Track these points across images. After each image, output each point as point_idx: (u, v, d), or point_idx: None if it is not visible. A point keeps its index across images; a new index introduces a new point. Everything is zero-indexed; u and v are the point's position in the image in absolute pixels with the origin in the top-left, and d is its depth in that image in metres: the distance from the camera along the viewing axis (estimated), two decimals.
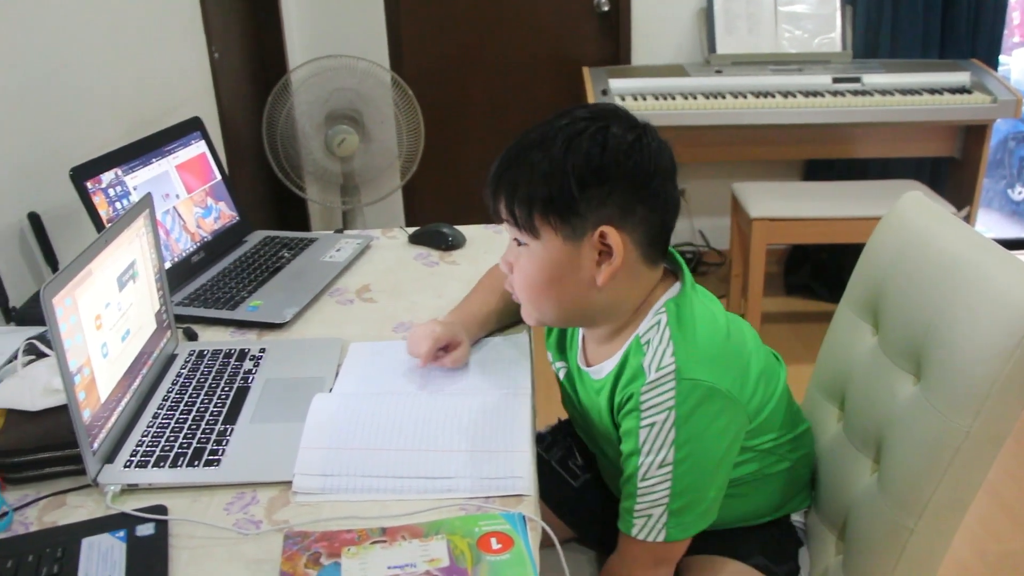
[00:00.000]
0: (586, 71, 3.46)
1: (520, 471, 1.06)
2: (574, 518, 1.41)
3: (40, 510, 1.05)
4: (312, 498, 1.04)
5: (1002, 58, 3.76)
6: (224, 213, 1.82)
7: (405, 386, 1.26)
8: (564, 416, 1.52)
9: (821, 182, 3.57)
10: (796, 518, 1.37)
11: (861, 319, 1.35)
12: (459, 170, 3.97)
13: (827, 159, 3.70)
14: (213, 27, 2.67)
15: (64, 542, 0.96)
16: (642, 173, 1.06)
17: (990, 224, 4.61)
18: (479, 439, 1.11)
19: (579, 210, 1.05)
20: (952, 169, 3.65)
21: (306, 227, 3.80)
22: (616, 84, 3.31)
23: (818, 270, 3.72)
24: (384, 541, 0.93)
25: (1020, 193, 4.80)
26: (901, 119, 3.23)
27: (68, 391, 1.00)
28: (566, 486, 1.42)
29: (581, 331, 1.25)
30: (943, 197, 3.39)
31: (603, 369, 1.16)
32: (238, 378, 1.29)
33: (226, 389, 1.26)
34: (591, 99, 3.21)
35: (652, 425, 1.05)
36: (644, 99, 3.25)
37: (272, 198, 3.53)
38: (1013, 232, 4.49)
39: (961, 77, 3.34)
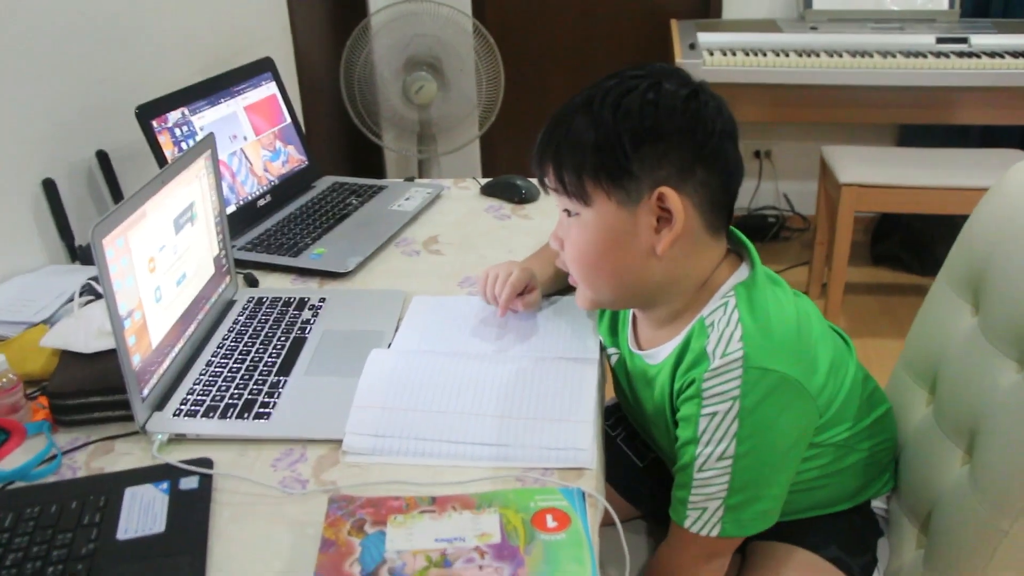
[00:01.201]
0: (674, 23, 3.33)
1: (583, 443, 0.99)
2: (639, 497, 1.34)
3: (88, 455, 1.02)
4: (362, 459, 0.99)
5: None
6: (293, 157, 1.77)
7: (466, 345, 1.20)
8: None
9: (917, 148, 3.38)
10: (877, 504, 1.28)
11: (960, 297, 1.25)
12: (538, 123, 3.82)
13: (924, 124, 3.51)
14: None
15: (107, 491, 0.93)
16: (700, 130, 0.97)
17: None
18: (541, 407, 1.04)
19: (633, 171, 0.96)
20: None
21: (381, 175, 3.78)
22: (705, 38, 3.18)
23: (908, 240, 3.55)
24: (433, 511, 0.88)
25: None
26: (1010, 83, 3.03)
27: (117, 335, 0.96)
28: (632, 465, 1.35)
29: (632, 314, 1.17)
30: None
31: (659, 354, 1.08)
32: (295, 328, 1.24)
33: (282, 339, 1.22)
34: (678, 53, 3.08)
35: (714, 415, 0.97)
36: (734, 55, 3.11)
37: (347, 145, 3.50)
38: None
39: None
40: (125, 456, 1.01)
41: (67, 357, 1.12)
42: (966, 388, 1.17)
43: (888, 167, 2.99)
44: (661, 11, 3.58)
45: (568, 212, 1.02)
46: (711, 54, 3.11)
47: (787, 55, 3.10)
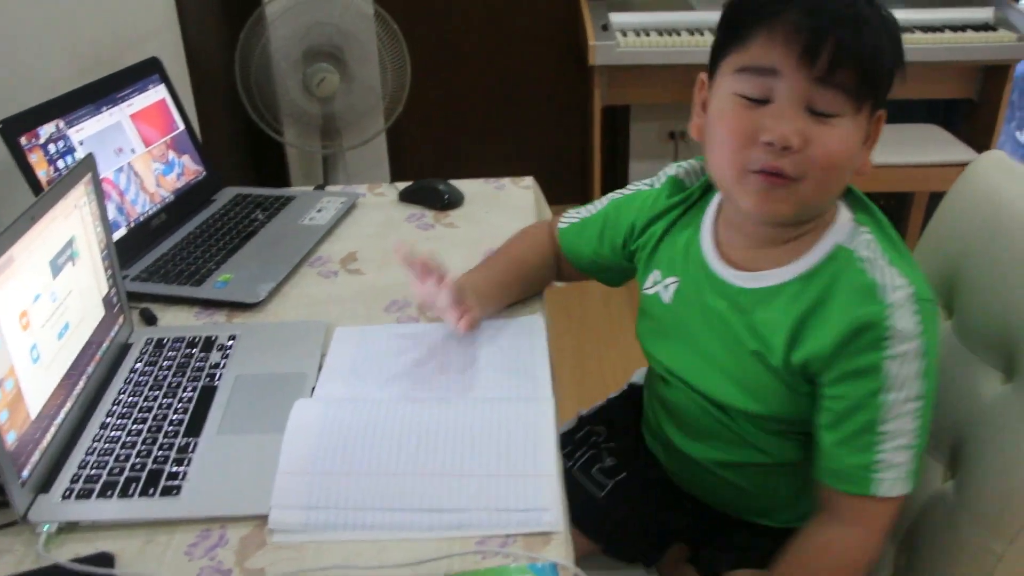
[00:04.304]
0: (584, 4, 3.22)
1: (547, 501, 0.87)
2: (600, 530, 1.23)
3: None
4: (293, 537, 0.85)
5: None
6: (189, 168, 1.60)
7: (402, 386, 1.06)
8: (583, 409, 1.34)
9: None
10: None
11: None
12: (449, 114, 3.74)
13: None
14: None
15: None
16: None
17: None
18: (496, 460, 0.91)
19: (889, 84, 0.93)
20: (969, 111, 3.45)
21: (284, 174, 3.58)
22: (617, 19, 3.08)
23: None
24: None
25: None
26: (922, 59, 3.02)
27: None
28: (590, 498, 1.23)
29: (710, 234, 1.07)
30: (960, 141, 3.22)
31: (771, 276, 1.00)
32: (203, 375, 1.09)
33: (189, 389, 1.06)
34: (590, 35, 2.98)
35: (903, 356, 0.92)
36: (647, 35, 3.02)
37: (247, 144, 3.30)
38: None
39: (984, 12, 3.13)
40: (4, 555, 0.85)
41: None
42: (944, 397, 1.09)
43: None
44: None
45: (822, 114, 0.89)
46: (624, 35, 3.01)
47: (701, 33, 3.03)
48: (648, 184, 1.20)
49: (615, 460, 1.25)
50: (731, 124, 0.93)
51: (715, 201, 1.09)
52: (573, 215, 1.27)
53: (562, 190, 3.91)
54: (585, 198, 3.91)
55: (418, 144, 3.77)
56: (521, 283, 1.25)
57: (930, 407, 0.95)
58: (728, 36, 0.95)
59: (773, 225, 0.99)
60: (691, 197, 1.13)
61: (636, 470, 1.23)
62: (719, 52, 0.97)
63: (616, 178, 3.86)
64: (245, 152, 3.29)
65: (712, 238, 1.07)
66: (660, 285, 1.11)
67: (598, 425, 1.31)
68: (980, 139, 3.27)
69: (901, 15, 3.02)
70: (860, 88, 0.88)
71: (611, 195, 1.24)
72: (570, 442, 1.28)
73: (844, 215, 1.00)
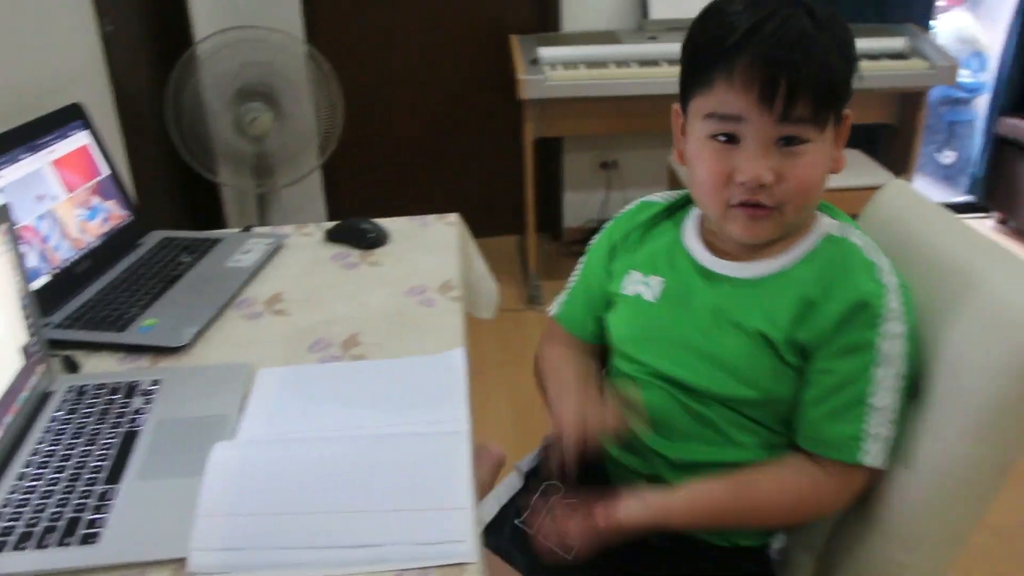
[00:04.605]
0: (514, 40, 3.28)
1: (461, 533, 0.89)
2: None
3: None
4: None
5: (931, 22, 3.69)
6: (114, 213, 1.60)
7: (322, 424, 1.08)
8: (521, 462, 1.34)
9: None
10: (776, 546, 1.24)
11: None
12: (384, 150, 3.77)
13: None
14: None
15: None
16: None
17: (922, 189, 4.57)
18: (412, 495, 0.93)
19: (850, 88, 1.00)
20: (888, 136, 3.57)
21: (219, 214, 3.57)
22: (546, 53, 3.14)
23: None
24: None
25: (949, 157, 4.78)
26: None
27: None
28: (561, 564, 1.10)
29: (696, 234, 1.15)
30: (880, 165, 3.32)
31: (770, 265, 1.08)
32: (125, 420, 1.09)
33: (110, 436, 1.06)
34: (520, 69, 3.03)
35: (893, 336, 1.00)
36: (576, 68, 3.09)
37: (181, 184, 3.27)
38: (943, 197, 4.45)
39: (898, 42, 3.26)
40: None
41: None
42: None
43: None
44: (501, 27, 3.53)
45: (790, 141, 0.98)
46: (553, 68, 3.08)
47: (628, 66, 3.10)
48: (617, 215, 1.27)
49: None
50: (708, 166, 1.02)
51: (697, 210, 1.17)
52: (560, 296, 1.31)
53: (498, 222, 3.96)
54: (520, 229, 3.96)
55: (354, 181, 3.79)
56: (588, 373, 1.24)
57: (906, 388, 1.03)
58: (692, 76, 1.02)
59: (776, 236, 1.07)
60: (675, 204, 1.20)
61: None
62: (686, 89, 1.05)
63: (551, 209, 3.91)
64: (179, 193, 3.27)
65: (699, 238, 1.14)
66: (642, 284, 1.16)
67: (551, 481, 1.20)
68: (900, 162, 3.38)
69: None
70: (819, 112, 0.97)
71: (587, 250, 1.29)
72: (528, 505, 1.20)
73: (825, 217, 1.10)
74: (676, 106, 1.09)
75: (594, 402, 1.11)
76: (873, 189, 1.32)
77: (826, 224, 1.09)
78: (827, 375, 1.03)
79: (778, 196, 1.00)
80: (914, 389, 1.04)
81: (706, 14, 1.01)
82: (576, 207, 3.86)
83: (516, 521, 1.19)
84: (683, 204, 1.21)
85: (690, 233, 1.16)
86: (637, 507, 1.06)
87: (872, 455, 1.01)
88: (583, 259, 1.29)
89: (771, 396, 1.06)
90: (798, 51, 0.93)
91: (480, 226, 3.87)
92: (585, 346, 1.28)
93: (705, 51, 0.99)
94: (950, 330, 1.02)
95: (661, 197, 1.24)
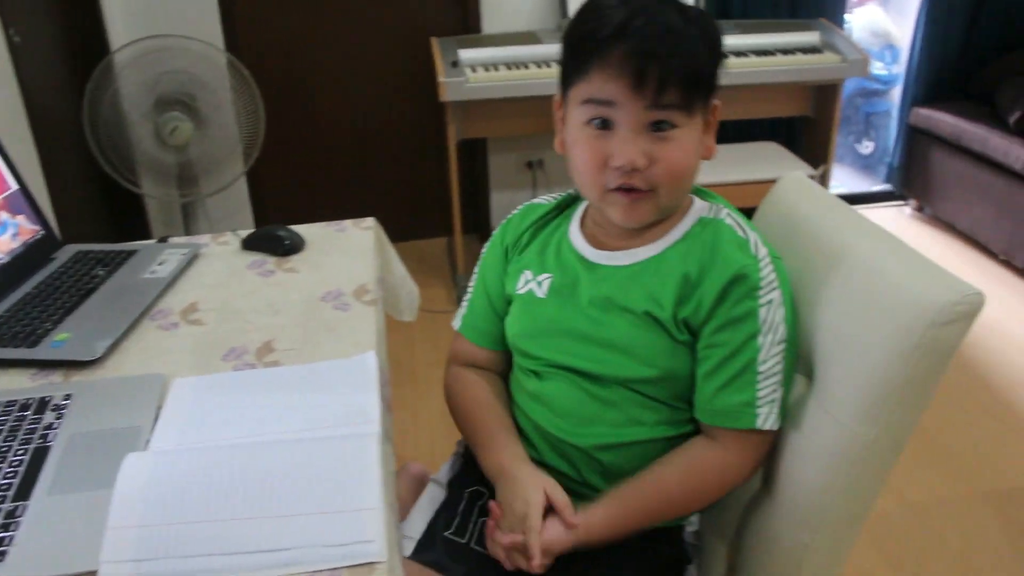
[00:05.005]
0: (434, 42, 3.29)
1: (370, 533, 0.91)
2: None
3: None
4: None
5: (844, 16, 3.79)
6: (24, 228, 1.58)
7: (235, 432, 1.08)
8: (435, 473, 1.36)
9: None
10: (689, 530, 1.28)
11: None
12: (309, 156, 3.75)
13: None
14: (11, 6, 2.36)
15: None
16: None
17: (842, 179, 4.69)
18: (321, 498, 0.94)
19: (716, 80, 1.07)
20: (807, 128, 3.66)
21: (144, 225, 3.52)
22: (466, 54, 3.16)
23: None
24: None
25: (868, 147, 4.91)
26: (757, 80, 3.20)
27: None
28: (499, 569, 1.14)
29: (578, 230, 1.22)
30: (799, 156, 3.40)
31: (647, 250, 1.15)
32: (36, 436, 1.08)
33: (20, 453, 1.05)
34: (440, 71, 3.05)
35: (770, 303, 1.07)
36: (496, 69, 3.12)
37: (103, 196, 3.23)
38: (863, 186, 4.58)
39: (811, 37, 3.34)
40: None
41: None
42: None
43: None
44: (421, 29, 3.54)
45: (660, 126, 1.05)
46: (474, 70, 3.10)
47: (548, 66, 3.13)
48: (505, 220, 1.32)
49: None
50: (585, 152, 1.08)
51: (583, 206, 1.23)
52: (461, 309, 1.35)
53: (428, 224, 3.97)
54: (448, 231, 3.98)
55: (280, 188, 3.77)
56: (504, 410, 1.27)
57: (792, 351, 1.11)
58: (571, 66, 1.08)
59: (640, 228, 1.13)
60: (562, 202, 1.27)
61: None
62: (566, 78, 1.10)
63: (478, 210, 3.93)
64: (101, 205, 3.22)
65: (581, 233, 1.20)
66: (533, 283, 1.21)
67: (473, 488, 1.27)
68: (818, 153, 3.47)
69: (734, 40, 3.21)
70: (687, 99, 1.04)
71: (480, 259, 1.34)
72: (455, 514, 1.24)
73: (698, 200, 1.18)
74: (557, 97, 1.15)
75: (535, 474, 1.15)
76: None
77: (699, 207, 1.17)
78: (715, 348, 1.09)
79: (651, 179, 1.07)
80: (796, 352, 1.13)
81: (584, 9, 1.08)
82: (503, 207, 3.89)
83: (446, 533, 1.21)
84: (570, 202, 1.27)
85: (574, 229, 1.22)
86: (559, 533, 1.10)
87: (765, 419, 1.08)
88: (477, 269, 1.33)
89: (668, 373, 1.12)
90: (666, 43, 1.01)
91: (410, 228, 3.93)
92: (492, 357, 1.32)
93: (582, 43, 1.06)
94: (841, 315, 1.06)
95: (547, 199, 1.30)
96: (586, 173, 1.10)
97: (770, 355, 1.08)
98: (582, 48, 1.06)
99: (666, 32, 1.02)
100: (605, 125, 1.06)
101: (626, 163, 1.05)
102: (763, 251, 1.09)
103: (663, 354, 1.11)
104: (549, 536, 1.09)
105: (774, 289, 1.08)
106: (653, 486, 1.12)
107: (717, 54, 1.07)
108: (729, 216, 1.14)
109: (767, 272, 1.08)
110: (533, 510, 1.09)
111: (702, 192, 1.20)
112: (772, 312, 1.07)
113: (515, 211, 1.31)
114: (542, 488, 1.12)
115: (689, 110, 1.05)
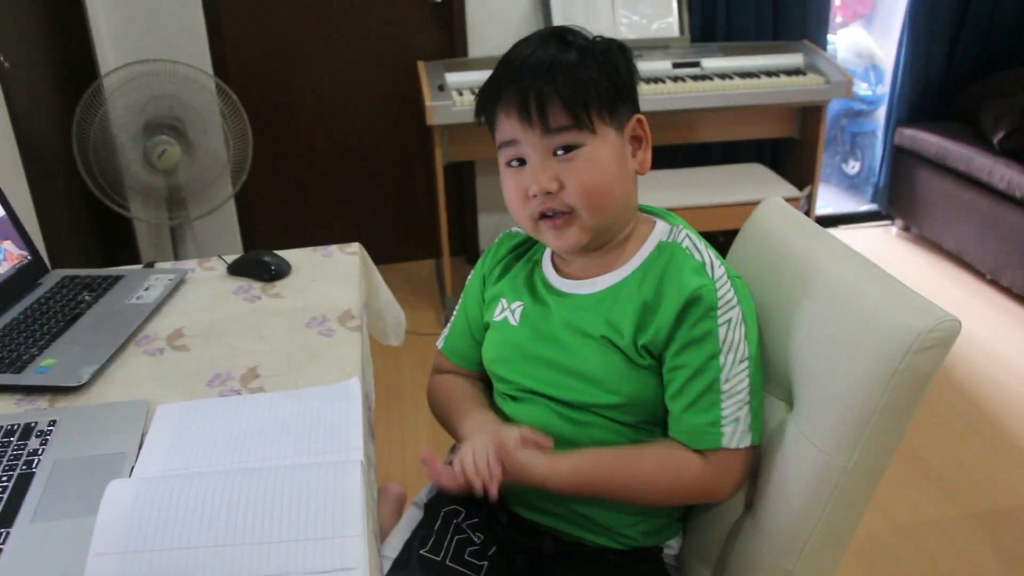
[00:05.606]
0: (421, 66, 3.31)
1: (351, 560, 0.91)
2: None
3: None
4: None
5: (829, 37, 3.83)
6: (11, 253, 1.59)
7: (218, 458, 1.09)
8: (418, 496, 1.36)
9: (664, 170, 3.54)
10: (669, 552, 1.28)
11: None
12: (298, 179, 3.76)
13: (671, 144, 3.67)
14: (0, 31, 2.38)
15: None
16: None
17: (828, 199, 4.73)
18: (303, 525, 0.95)
19: (625, 98, 1.12)
20: (792, 149, 3.69)
21: (134, 248, 3.53)
22: (453, 78, 3.19)
23: None
24: None
25: (854, 167, 4.95)
26: (742, 102, 3.23)
27: None
28: None
29: (549, 260, 1.26)
30: (785, 178, 3.43)
31: (608, 279, 1.17)
32: (20, 463, 1.09)
33: (3, 480, 1.06)
34: (427, 95, 3.07)
35: (729, 322, 1.09)
36: None
37: (93, 220, 3.24)
38: (849, 206, 4.61)
39: (795, 59, 3.38)
40: None
41: None
42: None
43: (647, 191, 3.10)
44: (408, 53, 3.57)
45: (566, 149, 1.09)
46: (460, 94, 3.12)
47: None
48: (487, 249, 1.36)
49: (482, 535, 1.23)
50: (509, 190, 1.15)
51: None
52: (445, 330, 1.40)
53: (417, 247, 3.99)
54: (436, 253, 3.99)
55: (269, 211, 3.78)
56: (480, 395, 1.33)
57: (757, 368, 1.12)
58: (485, 118, 1.16)
59: (582, 252, 1.17)
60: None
61: (504, 539, 1.24)
62: (490, 129, 1.17)
63: (466, 232, 3.95)
64: (90, 229, 3.23)
65: (551, 262, 1.24)
66: (508, 311, 1.25)
67: (449, 506, 1.27)
68: (804, 174, 3.50)
69: (719, 63, 3.24)
70: (577, 118, 1.08)
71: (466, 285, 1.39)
72: (431, 534, 1.24)
73: (660, 223, 1.21)
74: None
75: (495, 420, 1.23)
76: None
77: (659, 231, 1.20)
78: (678, 370, 1.11)
79: (567, 200, 1.11)
80: (762, 368, 1.15)
81: (497, 66, 1.14)
82: (491, 229, 3.91)
83: (421, 551, 1.22)
84: None
85: (546, 258, 1.26)
86: (528, 456, 1.12)
87: (730, 437, 1.10)
88: (463, 294, 1.37)
89: (633, 399, 1.14)
90: (543, 73, 1.07)
91: (398, 250, 3.94)
92: (471, 374, 1.37)
93: (488, 95, 1.13)
94: (819, 341, 1.07)
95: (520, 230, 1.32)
96: (514, 208, 1.15)
97: (732, 374, 1.09)
98: (487, 100, 1.13)
99: (548, 64, 1.07)
100: (521, 163, 1.12)
101: (538, 189, 1.10)
102: (719, 271, 1.12)
103: (626, 380, 1.13)
104: (520, 458, 1.11)
105: (732, 308, 1.10)
106: (629, 459, 1.15)
107: (611, 71, 1.10)
108: (688, 238, 1.16)
109: (724, 291, 1.10)
110: (482, 439, 1.12)
111: (662, 214, 1.23)
112: (732, 331, 1.09)
113: (496, 240, 1.35)
114: (497, 433, 1.13)
115: (586, 128, 1.08)
